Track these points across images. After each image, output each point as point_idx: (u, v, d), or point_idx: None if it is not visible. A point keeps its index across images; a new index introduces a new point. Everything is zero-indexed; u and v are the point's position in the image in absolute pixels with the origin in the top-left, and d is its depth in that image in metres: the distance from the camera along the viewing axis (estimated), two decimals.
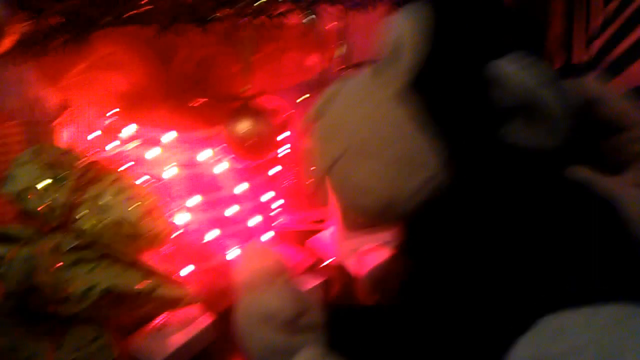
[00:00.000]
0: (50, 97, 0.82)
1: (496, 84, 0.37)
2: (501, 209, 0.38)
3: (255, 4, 0.63)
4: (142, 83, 0.72)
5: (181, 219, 0.68)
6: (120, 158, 0.70)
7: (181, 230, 0.68)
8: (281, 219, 0.86)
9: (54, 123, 0.81)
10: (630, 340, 0.30)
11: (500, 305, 0.36)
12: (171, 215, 0.66)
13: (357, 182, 0.40)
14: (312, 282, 0.75)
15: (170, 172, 0.69)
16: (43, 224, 0.62)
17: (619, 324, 0.31)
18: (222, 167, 0.71)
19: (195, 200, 0.69)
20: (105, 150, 0.70)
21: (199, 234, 0.70)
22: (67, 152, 0.67)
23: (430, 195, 0.39)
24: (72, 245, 0.60)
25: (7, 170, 0.64)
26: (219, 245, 0.71)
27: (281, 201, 0.82)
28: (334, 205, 0.49)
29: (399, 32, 0.40)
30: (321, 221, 0.93)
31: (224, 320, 0.68)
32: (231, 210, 0.71)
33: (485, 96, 0.37)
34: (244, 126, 0.65)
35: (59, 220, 0.62)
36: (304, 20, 0.64)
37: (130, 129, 0.71)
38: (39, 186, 0.63)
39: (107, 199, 0.63)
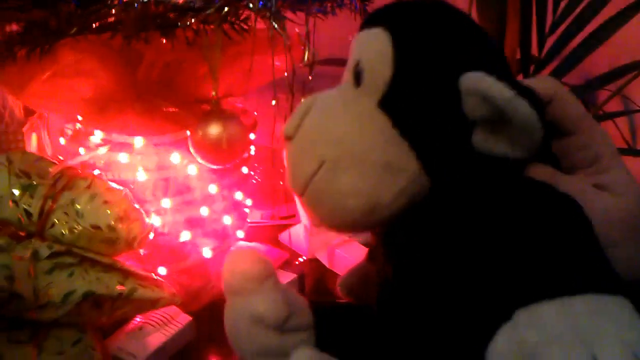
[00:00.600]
0: (17, 105, 0.82)
1: (469, 95, 0.38)
2: (474, 211, 0.39)
3: (219, 13, 0.64)
4: (109, 89, 0.73)
5: (155, 221, 0.69)
6: (91, 164, 0.71)
7: (156, 233, 0.69)
8: (252, 217, 0.88)
9: (22, 130, 0.81)
10: (605, 325, 0.30)
11: (478, 302, 0.37)
12: (146, 218, 0.67)
13: (340, 188, 0.40)
14: (286, 278, 0.78)
15: (141, 175, 0.70)
16: (17, 231, 0.63)
17: (594, 312, 0.31)
18: (192, 169, 0.72)
19: (168, 202, 0.70)
20: (76, 156, 0.70)
21: (173, 236, 0.71)
22: (39, 159, 0.68)
23: (410, 200, 0.40)
24: (50, 253, 0.61)
25: None
26: (193, 246, 0.73)
27: (250, 200, 0.84)
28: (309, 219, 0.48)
29: (365, 53, 0.42)
30: (291, 216, 0.95)
31: (201, 319, 0.70)
32: (204, 211, 0.73)
33: (457, 108, 0.38)
34: (213, 129, 0.66)
35: (34, 227, 0.63)
36: (269, 26, 0.66)
37: (99, 135, 0.72)
38: (13, 194, 0.64)
39: (81, 204, 0.64)
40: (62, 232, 0.63)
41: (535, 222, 0.37)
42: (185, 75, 0.75)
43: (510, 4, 0.92)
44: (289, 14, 0.70)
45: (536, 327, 0.32)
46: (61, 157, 0.72)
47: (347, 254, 0.83)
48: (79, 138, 0.74)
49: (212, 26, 0.65)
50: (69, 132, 0.76)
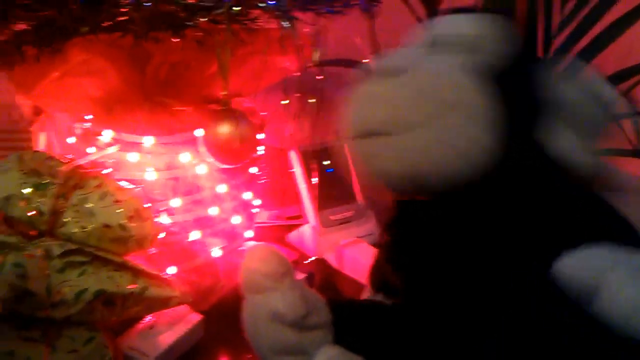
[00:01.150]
0: (26, 104, 0.82)
1: (558, 92, 0.43)
2: (538, 194, 0.42)
3: (229, 12, 0.64)
4: (119, 88, 0.73)
5: (165, 220, 0.69)
6: (101, 163, 0.71)
7: (166, 232, 0.69)
8: (260, 217, 0.88)
9: (31, 130, 0.81)
10: None
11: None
12: (156, 217, 0.67)
13: (446, 139, 0.43)
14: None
15: (151, 175, 0.70)
16: (28, 230, 0.63)
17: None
18: (202, 169, 0.72)
19: (178, 201, 0.71)
20: (85, 156, 0.70)
21: (182, 235, 0.71)
22: (50, 158, 0.68)
23: (483, 168, 0.43)
24: (61, 251, 0.61)
25: None
26: (202, 245, 0.73)
27: (259, 200, 0.84)
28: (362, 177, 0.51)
29: (481, 30, 0.46)
30: (299, 217, 0.96)
31: (211, 318, 0.71)
32: (213, 211, 0.73)
33: (545, 104, 0.43)
34: (225, 128, 0.66)
35: (45, 226, 0.63)
36: (279, 26, 0.66)
37: (108, 134, 0.72)
38: (24, 193, 0.64)
39: (92, 203, 0.64)
40: (73, 231, 0.63)
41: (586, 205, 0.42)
42: (194, 75, 0.75)
43: (518, 5, 0.92)
44: (298, 14, 0.70)
45: (598, 255, 0.36)
46: (71, 157, 0.72)
47: (356, 254, 0.83)
48: (88, 137, 0.74)
49: (222, 26, 0.65)
50: (78, 132, 0.76)
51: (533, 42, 0.47)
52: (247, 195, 0.80)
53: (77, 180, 0.66)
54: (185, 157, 0.72)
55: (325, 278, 0.83)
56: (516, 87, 0.44)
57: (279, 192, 0.99)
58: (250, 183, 0.80)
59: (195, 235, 0.72)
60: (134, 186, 0.69)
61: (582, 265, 0.35)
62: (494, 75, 0.44)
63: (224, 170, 0.74)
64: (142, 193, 0.69)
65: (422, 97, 0.43)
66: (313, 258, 0.88)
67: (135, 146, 0.71)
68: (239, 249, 0.79)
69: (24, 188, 0.64)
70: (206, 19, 0.65)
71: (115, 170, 0.71)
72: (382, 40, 0.84)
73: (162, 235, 0.68)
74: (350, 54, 0.93)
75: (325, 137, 0.91)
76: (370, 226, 0.92)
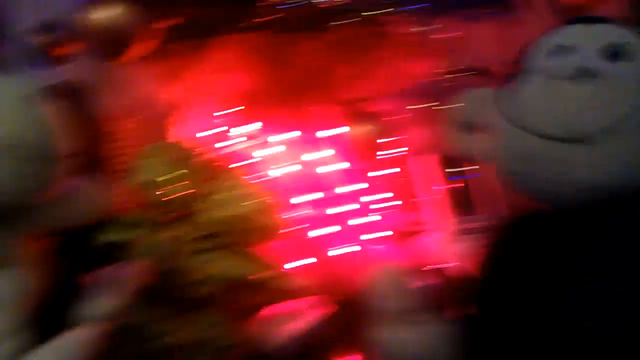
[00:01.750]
0: (166, 97, 0.87)
1: None
2: None
3: (369, 14, 0.64)
4: (257, 86, 0.75)
5: (293, 214, 0.70)
6: (234, 156, 0.73)
7: (292, 226, 0.70)
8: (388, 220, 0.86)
9: (169, 120, 0.85)
10: None
11: None
12: (286, 211, 0.68)
13: None
14: (418, 284, 0.76)
15: (282, 170, 0.71)
16: (162, 215, 0.65)
17: None
18: (332, 167, 0.72)
19: (307, 197, 0.71)
20: (221, 148, 0.73)
21: (309, 230, 0.72)
22: (187, 150, 0.71)
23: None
24: (195, 236, 0.63)
25: (131, 163, 0.68)
26: (328, 242, 0.73)
27: (389, 202, 0.83)
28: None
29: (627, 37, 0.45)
30: (423, 224, 0.93)
31: (333, 312, 0.70)
32: (340, 209, 0.73)
33: None
34: (359, 130, 0.67)
35: (179, 213, 0.65)
36: (416, 29, 0.65)
37: (246, 128, 0.74)
38: (161, 179, 0.66)
39: (223, 194, 0.66)
40: (204, 219, 0.65)
41: None
42: (330, 76, 0.76)
43: None
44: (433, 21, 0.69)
45: None
46: (207, 149, 0.75)
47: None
48: (224, 131, 0.77)
49: (359, 29, 0.66)
50: (215, 126, 0.79)
51: None
52: (375, 198, 0.79)
53: (211, 171, 0.68)
54: (316, 154, 0.72)
55: (450, 285, 0.80)
56: None
57: (407, 196, 0.97)
58: (378, 187, 0.80)
59: (321, 231, 0.72)
60: (264, 180, 0.70)
61: None
62: None
63: (353, 171, 0.73)
64: (273, 187, 0.69)
65: (627, 103, 0.41)
66: (437, 266, 0.85)
67: (268, 141, 0.73)
68: (365, 250, 0.78)
69: (161, 176, 0.66)
70: (344, 22, 0.65)
71: (247, 164, 0.73)
72: (512, 50, 0.82)
73: (290, 229, 0.68)
74: (480, 62, 0.90)
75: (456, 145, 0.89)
76: None
